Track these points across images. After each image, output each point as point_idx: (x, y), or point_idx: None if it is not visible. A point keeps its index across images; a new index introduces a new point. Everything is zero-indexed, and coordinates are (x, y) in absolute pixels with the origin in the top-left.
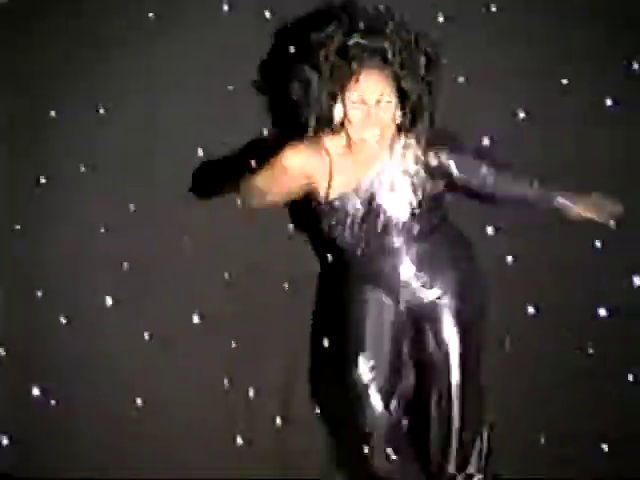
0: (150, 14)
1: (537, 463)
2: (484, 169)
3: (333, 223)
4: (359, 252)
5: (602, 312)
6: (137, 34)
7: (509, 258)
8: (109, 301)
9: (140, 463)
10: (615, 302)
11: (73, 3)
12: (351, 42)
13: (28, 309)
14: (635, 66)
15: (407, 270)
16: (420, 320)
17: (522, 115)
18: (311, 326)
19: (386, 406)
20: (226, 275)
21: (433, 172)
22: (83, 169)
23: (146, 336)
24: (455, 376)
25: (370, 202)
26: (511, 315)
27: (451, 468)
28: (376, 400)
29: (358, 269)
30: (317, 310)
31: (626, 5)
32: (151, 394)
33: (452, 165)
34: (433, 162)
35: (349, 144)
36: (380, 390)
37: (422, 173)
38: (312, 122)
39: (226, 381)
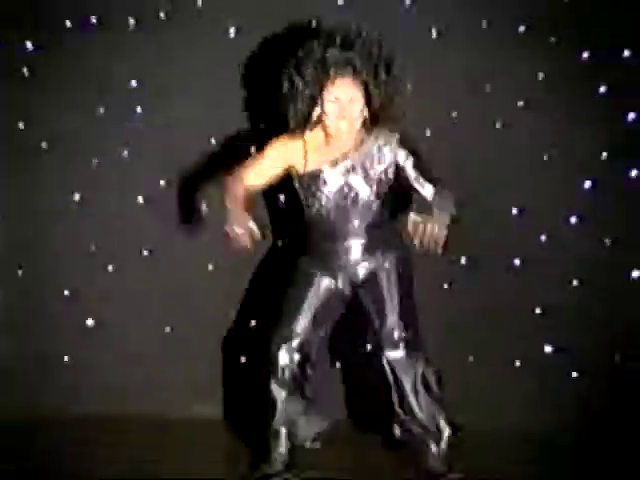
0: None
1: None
2: (409, 166)
3: (310, 192)
4: (324, 223)
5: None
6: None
7: None
8: None
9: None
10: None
11: None
12: (329, 55)
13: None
14: (540, 75)
15: (357, 246)
16: (357, 287)
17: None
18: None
19: (291, 360)
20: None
21: (384, 160)
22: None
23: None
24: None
25: (342, 179)
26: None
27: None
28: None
29: (318, 239)
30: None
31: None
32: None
33: (399, 154)
34: (386, 150)
35: (326, 136)
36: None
37: (382, 157)
38: (295, 118)
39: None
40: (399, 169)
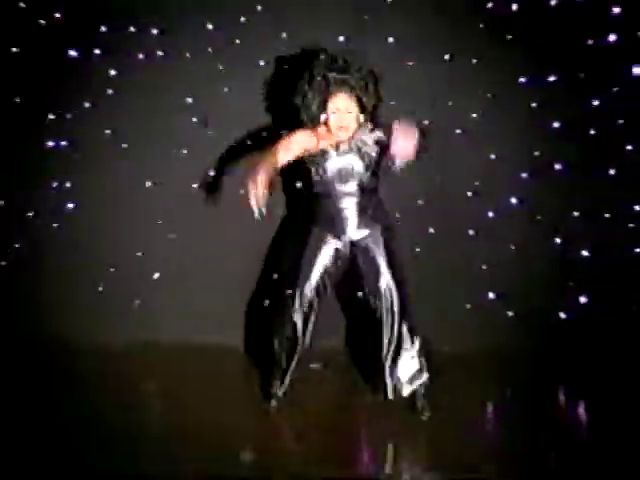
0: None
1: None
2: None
3: (319, 166)
4: (330, 195)
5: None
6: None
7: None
8: None
9: None
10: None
11: None
12: (331, 75)
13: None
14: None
15: (352, 214)
16: (353, 249)
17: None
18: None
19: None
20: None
21: (375, 143)
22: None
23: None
24: (385, 277)
25: (342, 156)
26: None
27: (388, 358)
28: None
29: (324, 204)
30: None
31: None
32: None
33: (382, 137)
34: (375, 137)
35: (330, 132)
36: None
37: (372, 145)
38: (307, 119)
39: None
40: (382, 147)
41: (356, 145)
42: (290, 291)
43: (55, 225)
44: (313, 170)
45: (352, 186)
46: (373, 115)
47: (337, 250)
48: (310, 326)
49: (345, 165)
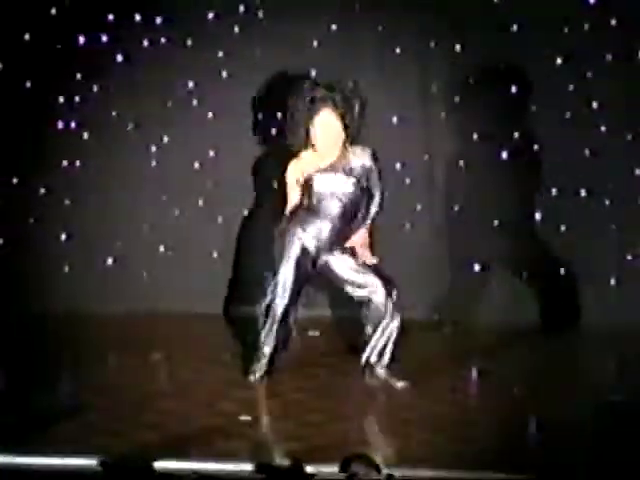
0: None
1: None
2: (376, 178)
3: (307, 189)
4: (315, 206)
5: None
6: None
7: None
8: None
9: None
10: None
11: None
12: (317, 95)
13: None
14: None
15: (327, 227)
16: (321, 256)
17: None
18: None
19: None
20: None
21: (359, 168)
22: None
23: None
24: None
25: (328, 180)
26: None
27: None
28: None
29: (308, 214)
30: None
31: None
32: None
33: (373, 167)
34: (360, 161)
35: (316, 152)
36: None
37: (355, 168)
38: (294, 141)
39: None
40: (367, 172)
41: (342, 168)
42: (269, 279)
43: (67, 202)
44: (301, 190)
45: (335, 206)
46: (356, 137)
47: (305, 249)
48: (289, 315)
49: (330, 186)
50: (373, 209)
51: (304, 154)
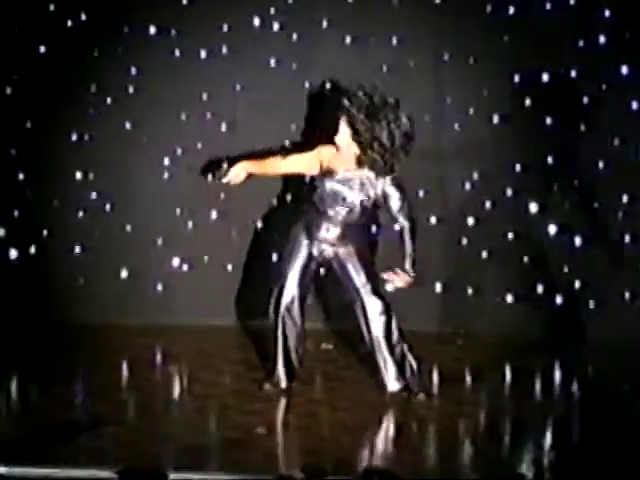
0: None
1: None
2: (397, 206)
3: (317, 188)
4: (321, 209)
5: None
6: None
7: None
8: None
9: None
10: None
11: None
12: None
13: None
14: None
15: (332, 232)
16: (327, 260)
17: None
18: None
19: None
20: None
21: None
22: None
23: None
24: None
25: (338, 186)
26: None
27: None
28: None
29: (313, 217)
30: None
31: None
32: None
33: (391, 193)
34: (380, 187)
35: (337, 151)
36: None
37: (377, 187)
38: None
39: None
40: (386, 198)
41: (361, 178)
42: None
43: (80, 214)
44: (314, 183)
45: (341, 212)
46: (368, 156)
47: (311, 255)
48: (294, 327)
49: (342, 191)
50: (408, 248)
51: (332, 149)
